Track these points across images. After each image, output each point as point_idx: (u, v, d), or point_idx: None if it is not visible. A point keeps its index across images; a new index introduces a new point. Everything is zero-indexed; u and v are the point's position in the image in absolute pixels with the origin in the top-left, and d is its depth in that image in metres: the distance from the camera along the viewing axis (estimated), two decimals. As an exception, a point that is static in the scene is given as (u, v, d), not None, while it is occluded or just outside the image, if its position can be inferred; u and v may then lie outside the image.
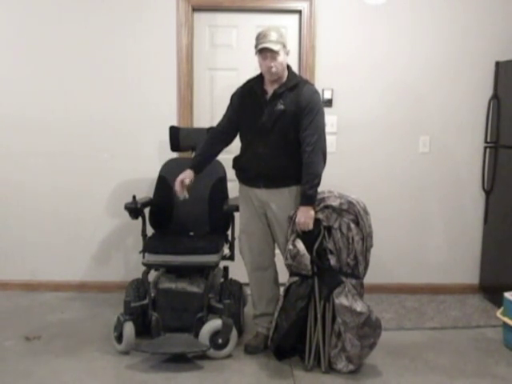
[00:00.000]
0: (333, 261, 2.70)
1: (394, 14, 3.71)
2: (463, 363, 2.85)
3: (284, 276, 2.88)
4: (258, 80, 2.83)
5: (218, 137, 2.96)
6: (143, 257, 3.03)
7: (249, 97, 2.85)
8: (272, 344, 2.83)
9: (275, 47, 2.64)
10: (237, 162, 2.95)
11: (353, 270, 2.70)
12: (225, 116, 2.96)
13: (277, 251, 2.97)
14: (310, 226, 2.70)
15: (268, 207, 2.85)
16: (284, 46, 2.69)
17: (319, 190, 2.74)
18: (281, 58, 2.67)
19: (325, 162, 2.76)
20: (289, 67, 2.81)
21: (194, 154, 3.11)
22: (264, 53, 2.67)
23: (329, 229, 2.72)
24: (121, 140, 3.79)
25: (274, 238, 2.93)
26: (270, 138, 2.76)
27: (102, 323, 3.27)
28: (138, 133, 3.78)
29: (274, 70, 2.68)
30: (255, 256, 2.94)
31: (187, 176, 2.88)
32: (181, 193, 2.87)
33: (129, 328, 2.85)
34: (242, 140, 2.93)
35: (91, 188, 3.82)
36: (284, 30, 3.69)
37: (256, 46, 2.69)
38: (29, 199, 3.83)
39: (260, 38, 2.68)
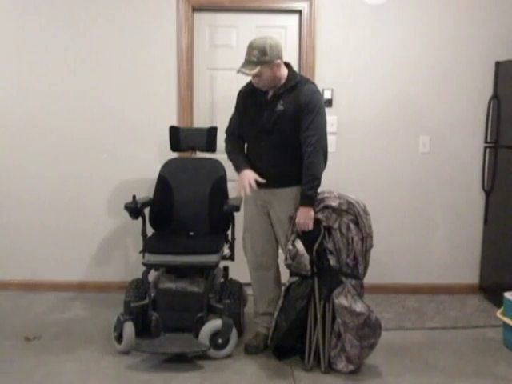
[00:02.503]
0: (332, 261, 2.70)
1: (393, 13, 3.71)
2: (463, 363, 2.85)
3: (287, 276, 2.87)
4: None
5: (236, 141, 2.95)
6: (143, 257, 3.03)
7: (250, 97, 2.85)
8: (272, 344, 2.83)
9: (250, 72, 2.62)
10: None
11: (352, 271, 2.70)
12: (236, 117, 2.95)
13: (280, 251, 2.97)
14: (310, 227, 2.70)
15: (271, 207, 2.86)
16: (267, 62, 2.62)
17: (319, 190, 2.74)
18: (264, 75, 2.66)
19: (326, 163, 2.76)
20: (290, 66, 2.80)
21: (232, 158, 2.97)
22: None
23: (328, 229, 2.72)
24: (121, 140, 3.79)
25: (276, 238, 2.93)
26: (271, 138, 2.76)
27: (102, 323, 3.27)
28: (138, 133, 3.78)
29: (260, 84, 2.70)
30: (258, 255, 2.94)
31: (252, 174, 2.79)
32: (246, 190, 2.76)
33: (129, 328, 2.85)
34: (245, 140, 2.93)
35: (91, 188, 3.82)
36: (283, 30, 3.73)
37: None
38: (29, 199, 3.83)
39: (246, 53, 2.67)
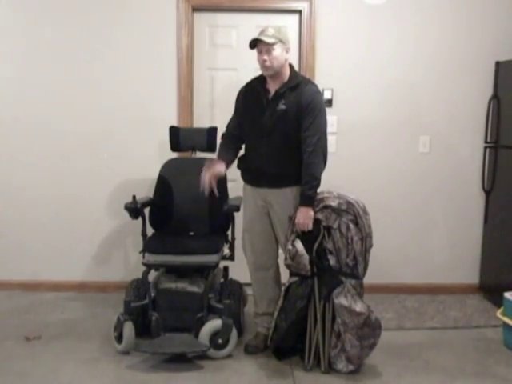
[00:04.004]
0: (332, 261, 2.70)
1: (393, 13, 3.71)
2: (463, 363, 2.85)
3: (286, 276, 2.87)
4: (261, 79, 2.82)
5: (231, 139, 2.95)
6: (143, 257, 3.04)
7: (251, 96, 2.85)
8: (272, 344, 2.83)
9: (268, 40, 2.63)
10: (241, 162, 2.95)
11: (352, 271, 2.70)
12: (234, 118, 2.95)
13: (280, 251, 2.97)
14: (310, 227, 2.70)
15: (271, 207, 2.86)
16: (281, 41, 2.67)
17: (319, 190, 2.74)
18: (276, 52, 2.66)
19: (325, 163, 2.76)
20: (292, 66, 2.81)
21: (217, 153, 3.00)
22: (259, 47, 2.68)
23: (328, 229, 2.71)
24: (121, 140, 3.79)
25: (276, 238, 2.93)
26: (272, 137, 2.76)
27: (102, 323, 3.27)
28: (138, 133, 3.78)
29: (267, 63, 2.67)
30: (258, 255, 2.94)
31: (219, 170, 2.78)
32: (208, 190, 2.77)
33: (129, 328, 2.85)
34: (245, 140, 2.93)
35: (91, 188, 3.82)
36: (284, 29, 3.71)
37: None
38: (29, 199, 3.83)
39: (258, 34, 2.69)
